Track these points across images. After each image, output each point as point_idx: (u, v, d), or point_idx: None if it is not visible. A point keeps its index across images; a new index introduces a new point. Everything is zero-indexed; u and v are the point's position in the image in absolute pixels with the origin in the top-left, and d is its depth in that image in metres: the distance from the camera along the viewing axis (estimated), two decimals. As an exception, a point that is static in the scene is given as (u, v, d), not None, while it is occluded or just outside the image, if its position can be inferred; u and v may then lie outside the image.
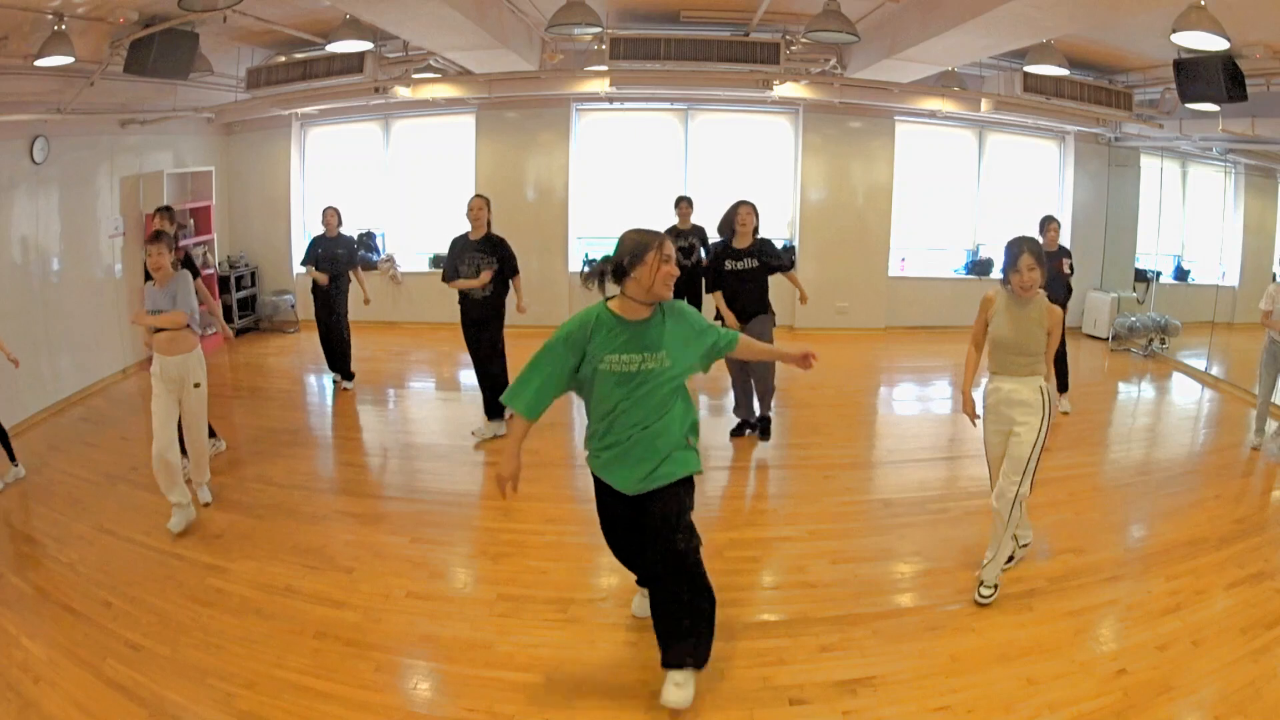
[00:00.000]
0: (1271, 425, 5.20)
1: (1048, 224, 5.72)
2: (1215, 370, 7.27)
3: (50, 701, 2.76)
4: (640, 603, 3.27)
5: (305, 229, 8.62)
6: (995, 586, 3.43)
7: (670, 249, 2.65)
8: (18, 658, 3.00)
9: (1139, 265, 8.72)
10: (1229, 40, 3.99)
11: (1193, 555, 3.85)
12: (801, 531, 4.13)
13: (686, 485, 2.75)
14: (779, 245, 6.29)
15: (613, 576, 3.55)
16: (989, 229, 9.01)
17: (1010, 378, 3.43)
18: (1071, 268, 5.83)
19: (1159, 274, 8.60)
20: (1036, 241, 3.41)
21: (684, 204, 6.81)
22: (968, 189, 8.97)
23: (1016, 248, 3.34)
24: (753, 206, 5.17)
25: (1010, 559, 3.61)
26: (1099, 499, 4.65)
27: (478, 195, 5.28)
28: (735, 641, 3.14)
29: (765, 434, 5.32)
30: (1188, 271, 8.79)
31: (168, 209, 5.81)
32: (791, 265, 5.88)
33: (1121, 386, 7.31)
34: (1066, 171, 8.86)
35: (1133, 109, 6.87)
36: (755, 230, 5.13)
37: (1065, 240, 8.70)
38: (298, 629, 3.21)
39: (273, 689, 2.84)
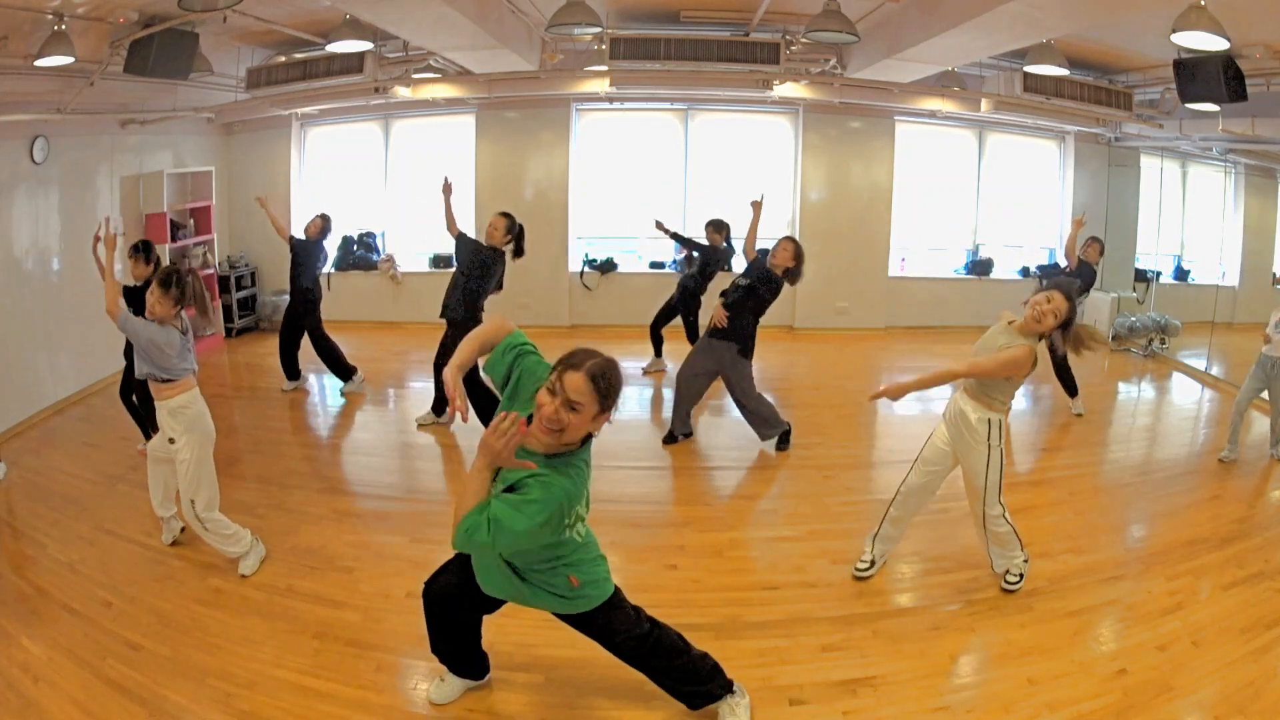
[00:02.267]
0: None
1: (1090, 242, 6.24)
2: (1215, 370, 7.27)
3: (50, 701, 2.76)
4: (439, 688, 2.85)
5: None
6: (1021, 575, 3.46)
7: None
8: (18, 658, 3.00)
9: (1139, 265, 8.73)
10: (1229, 40, 3.98)
11: (1193, 555, 3.86)
12: (801, 531, 4.13)
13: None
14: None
15: (613, 577, 3.54)
16: (989, 229, 9.02)
17: (964, 394, 3.42)
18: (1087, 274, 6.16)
19: (1159, 274, 8.61)
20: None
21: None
22: (968, 189, 8.97)
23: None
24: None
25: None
26: (1099, 499, 4.65)
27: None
28: (735, 641, 3.15)
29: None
30: (1188, 271, 8.79)
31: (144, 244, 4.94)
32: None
33: (1121, 386, 7.31)
34: (1066, 171, 8.86)
35: (1133, 109, 6.86)
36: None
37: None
38: (298, 629, 3.22)
39: (273, 689, 2.85)
